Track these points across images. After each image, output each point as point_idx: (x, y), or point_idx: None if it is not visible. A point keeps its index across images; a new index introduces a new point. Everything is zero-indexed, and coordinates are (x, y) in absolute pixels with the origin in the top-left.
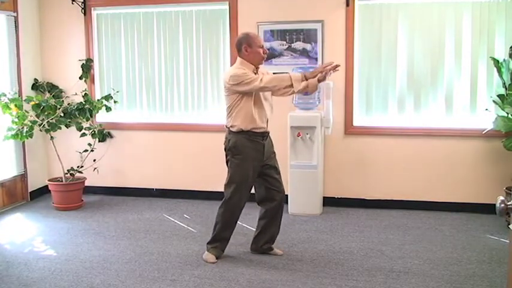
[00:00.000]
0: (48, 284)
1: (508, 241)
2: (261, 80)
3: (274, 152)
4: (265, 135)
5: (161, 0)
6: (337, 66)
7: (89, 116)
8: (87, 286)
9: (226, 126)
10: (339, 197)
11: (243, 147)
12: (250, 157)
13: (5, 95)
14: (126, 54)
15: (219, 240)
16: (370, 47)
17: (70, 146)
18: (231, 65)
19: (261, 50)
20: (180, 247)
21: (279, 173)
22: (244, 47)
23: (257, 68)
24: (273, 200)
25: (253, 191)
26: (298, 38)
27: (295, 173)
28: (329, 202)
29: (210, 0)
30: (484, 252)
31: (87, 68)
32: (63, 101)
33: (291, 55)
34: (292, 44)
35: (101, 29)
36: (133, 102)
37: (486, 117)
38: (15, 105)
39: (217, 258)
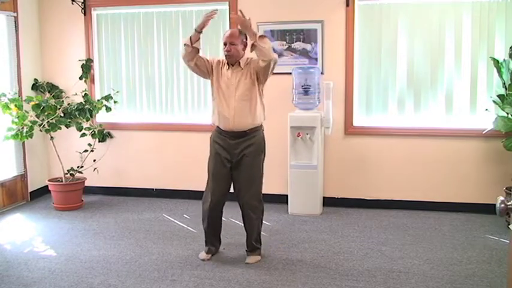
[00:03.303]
0: (48, 284)
1: (508, 241)
2: None
3: (248, 156)
4: (232, 134)
5: (161, 0)
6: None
7: (89, 116)
8: (87, 286)
9: None
10: (339, 197)
11: (213, 141)
12: (218, 151)
13: (5, 95)
14: (126, 54)
15: (205, 235)
16: (370, 47)
17: (70, 146)
18: None
19: (224, 47)
20: (180, 247)
21: (246, 179)
22: None
23: (230, 64)
24: (238, 203)
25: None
26: (298, 38)
27: (295, 173)
28: (329, 202)
29: (210, 0)
30: (484, 252)
31: (87, 68)
32: (63, 101)
33: (291, 55)
34: (292, 44)
35: (100, 29)
36: (133, 103)
37: (486, 117)
38: (15, 106)
39: (208, 254)
